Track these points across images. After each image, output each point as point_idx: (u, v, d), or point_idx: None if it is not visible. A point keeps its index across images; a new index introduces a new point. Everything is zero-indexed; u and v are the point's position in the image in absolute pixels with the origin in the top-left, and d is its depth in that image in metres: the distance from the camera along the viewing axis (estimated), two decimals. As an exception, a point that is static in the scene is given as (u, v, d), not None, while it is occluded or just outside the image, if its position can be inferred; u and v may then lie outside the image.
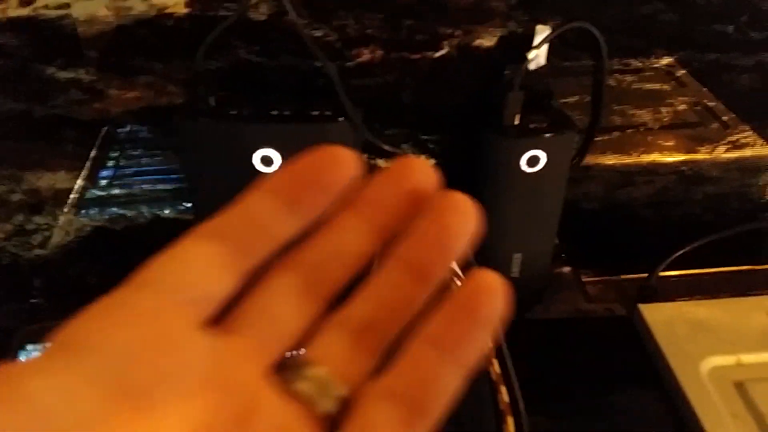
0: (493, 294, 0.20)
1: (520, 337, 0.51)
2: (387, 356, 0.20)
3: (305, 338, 0.20)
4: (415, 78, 0.50)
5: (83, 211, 0.53)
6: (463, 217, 0.21)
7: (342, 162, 0.20)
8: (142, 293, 0.18)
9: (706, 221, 0.59)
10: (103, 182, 0.53)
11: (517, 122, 0.48)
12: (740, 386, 0.45)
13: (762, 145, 0.54)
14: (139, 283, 0.18)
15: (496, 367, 0.40)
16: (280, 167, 0.21)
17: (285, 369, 0.19)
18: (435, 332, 0.20)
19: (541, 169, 0.48)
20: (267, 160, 0.46)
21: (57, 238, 0.54)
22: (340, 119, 0.46)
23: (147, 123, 0.49)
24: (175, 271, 0.19)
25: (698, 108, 0.55)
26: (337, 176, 0.20)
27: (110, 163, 0.54)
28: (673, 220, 0.59)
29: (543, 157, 0.48)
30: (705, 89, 0.54)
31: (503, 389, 0.39)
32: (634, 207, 0.58)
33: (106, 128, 0.51)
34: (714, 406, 0.44)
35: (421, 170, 0.21)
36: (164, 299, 0.18)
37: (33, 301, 0.57)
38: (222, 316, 0.19)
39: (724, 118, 0.54)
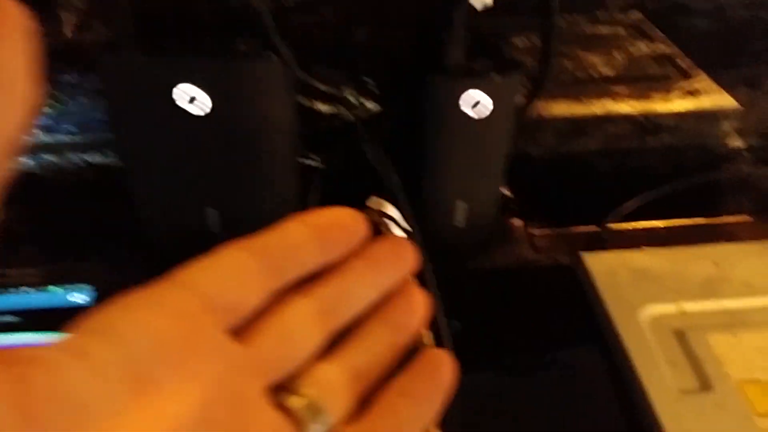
0: (447, 368, 0.24)
1: (462, 287, 0.50)
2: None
3: (309, 363, 0.22)
4: (358, 16, 0.48)
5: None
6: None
7: (361, 222, 0.24)
8: (178, 293, 0.20)
9: (661, 172, 0.58)
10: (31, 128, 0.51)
11: (461, 63, 0.46)
12: (680, 334, 0.44)
13: (719, 92, 0.53)
14: (177, 283, 0.20)
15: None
16: (318, 210, 0.24)
17: (284, 385, 0.21)
18: (406, 389, 0.23)
19: (485, 114, 0.46)
20: (192, 99, 0.44)
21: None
22: (270, 56, 0.44)
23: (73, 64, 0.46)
24: (212, 277, 0.21)
25: (653, 54, 0.53)
26: (359, 230, 0.24)
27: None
28: (627, 170, 0.57)
29: (487, 101, 0.46)
30: (661, 34, 0.52)
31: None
32: (586, 157, 0.56)
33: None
34: (651, 354, 0.42)
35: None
36: (197, 302, 0.20)
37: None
38: (242, 327, 0.21)
39: (681, 64, 0.52)
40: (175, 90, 0.43)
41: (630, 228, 0.56)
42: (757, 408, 0.39)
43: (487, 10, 0.47)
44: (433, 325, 0.38)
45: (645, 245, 0.53)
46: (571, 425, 0.41)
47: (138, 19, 0.45)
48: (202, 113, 0.44)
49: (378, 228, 0.44)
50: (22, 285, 0.48)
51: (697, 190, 0.55)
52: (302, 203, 0.51)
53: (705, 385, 0.41)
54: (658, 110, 0.55)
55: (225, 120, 0.45)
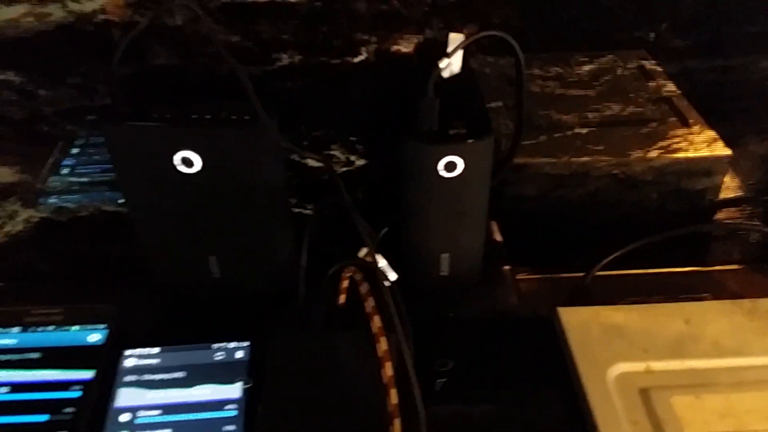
0: None
1: (450, 330, 0.52)
2: None
3: None
4: (336, 82, 0.50)
5: (30, 204, 0.55)
6: None
7: None
8: None
9: (645, 222, 0.59)
10: (48, 177, 0.55)
11: (435, 128, 0.48)
12: (645, 393, 0.46)
13: (695, 150, 0.54)
14: None
15: (388, 370, 0.41)
16: None
17: None
18: None
19: (459, 174, 0.49)
20: (187, 162, 0.47)
21: (7, 227, 0.56)
22: (255, 123, 0.47)
23: (78, 123, 0.51)
24: None
25: (626, 113, 0.54)
26: None
27: (54, 160, 0.56)
28: (614, 219, 0.59)
29: (460, 162, 0.48)
30: (631, 94, 0.53)
31: (393, 392, 0.41)
32: (569, 208, 0.58)
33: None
34: (615, 412, 0.44)
35: None
36: None
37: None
38: None
39: (653, 124, 0.53)
40: (173, 156, 0.47)
41: (616, 275, 0.58)
42: (708, 472, 0.41)
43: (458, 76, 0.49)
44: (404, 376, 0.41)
45: (630, 293, 0.55)
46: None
47: (133, 88, 0.49)
48: (197, 173, 0.48)
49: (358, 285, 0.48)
50: (44, 324, 0.53)
51: (686, 239, 0.57)
52: (296, 249, 0.55)
53: (662, 445, 0.43)
54: (635, 165, 0.57)
55: (219, 179, 0.48)
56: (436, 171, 0.48)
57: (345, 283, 0.50)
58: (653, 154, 0.54)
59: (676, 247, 0.57)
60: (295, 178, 0.51)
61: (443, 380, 0.47)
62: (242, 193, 0.50)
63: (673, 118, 0.54)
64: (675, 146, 0.54)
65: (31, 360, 0.51)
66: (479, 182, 0.50)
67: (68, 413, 0.47)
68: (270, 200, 0.51)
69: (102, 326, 0.53)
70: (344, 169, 0.53)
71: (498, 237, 0.60)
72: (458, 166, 0.48)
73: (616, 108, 0.53)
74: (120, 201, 0.55)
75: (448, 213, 0.51)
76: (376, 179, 0.53)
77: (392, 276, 0.51)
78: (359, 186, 0.53)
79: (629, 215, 0.58)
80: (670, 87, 0.58)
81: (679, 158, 0.54)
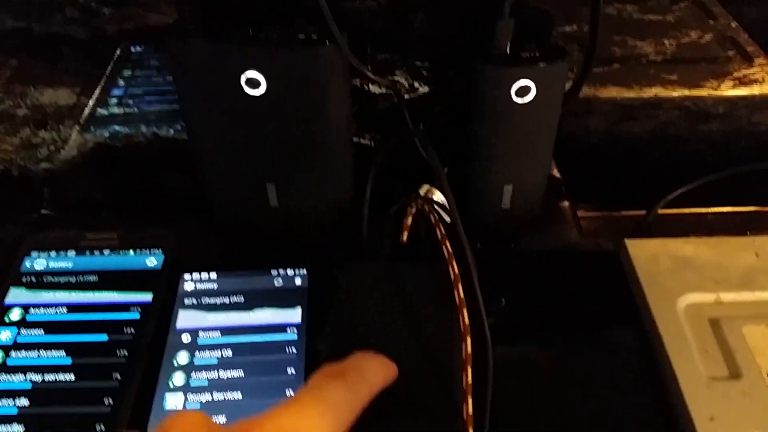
0: None
1: (508, 266, 0.52)
2: None
3: None
4: (413, 3, 0.49)
5: (86, 128, 0.54)
6: None
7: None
8: None
9: (711, 159, 0.58)
10: (105, 100, 0.55)
11: (508, 51, 0.47)
12: (715, 323, 0.45)
13: (768, 82, 0.52)
14: None
15: (460, 292, 0.41)
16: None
17: None
18: None
19: (531, 101, 0.47)
20: (253, 83, 0.47)
21: (62, 153, 0.56)
22: (327, 44, 0.46)
23: (143, 43, 0.50)
24: None
25: (704, 41, 0.53)
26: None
27: (113, 82, 0.55)
28: (678, 156, 0.58)
29: (533, 87, 0.47)
30: (712, 21, 0.52)
31: (464, 312, 0.40)
32: (636, 142, 0.57)
33: (119, 48, 0.52)
34: (685, 341, 0.44)
35: None
36: None
37: (43, 212, 0.59)
38: None
39: (730, 53, 0.51)
40: (239, 75, 0.46)
41: (678, 214, 0.57)
42: (784, 399, 0.40)
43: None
44: (473, 304, 0.40)
45: (692, 232, 0.53)
46: (603, 403, 0.42)
47: (204, 5, 0.48)
48: (261, 95, 0.47)
49: (427, 216, 0.47)
50: (100, 248, 0.53)
51: (749, 178, 0.55)
52: (356, 181, 0.54)
53: (734, 373, 0.42)
54: (707, 97, 0.55)
55: (284, 103, 0.47)
56: (509, 96, 0.47)
57: (409, 221, 0.49)
58: (727, 85, 0.52)
59: (743, 185, 0.56)
60: (355, 105, 0.50)
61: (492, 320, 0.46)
62: (306, 118, 0.49)
63: (751, 48, 0.52)
64: (750, 78, 0.52)
65: (88, 282, 0.51)
66: (550, 110, 0.49)
67: (128, 333, 0.47)
68: (334, 127, 0.50)
69: (158, 251, 0.53)
70: (408, 96, 0.52)
71: (557, 173, 0.58)
72: (531, 92, 0.47)
73: (694, 35, 0.51)
74: (177, 128, 0.55)
75: (517, 142, 0.50)
76: (440, 108, 0.52)
77: (447, 218, 0.50)
78: (423, 116, 0.52)
79: (696, 151, 0.57)
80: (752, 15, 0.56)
81: (753, 92, 0.53)
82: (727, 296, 0.46)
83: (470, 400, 0.38)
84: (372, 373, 0.34)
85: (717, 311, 0.45)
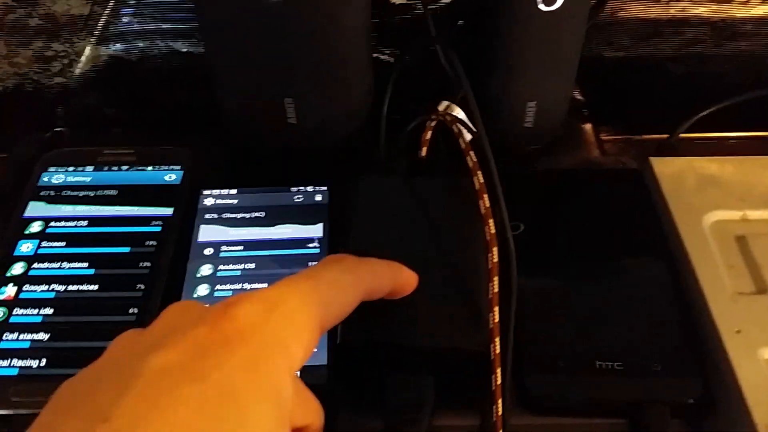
0: None
1: (529, 187, 0.51)
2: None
3: None
4: None
5: (100, 41, 0.53)
6: None
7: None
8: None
9: (739, 81, 0.57)
10: (120, 11, 0.53)
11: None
12: (741, 240, 0.45)
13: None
14: None
15: (485, 201, 0.40)
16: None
17: None
18: None
19: (558, 9, 0.46)
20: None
21: (75, 67, 0.55)
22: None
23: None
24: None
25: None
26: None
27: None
28: (703, 76, 0.56)
29: (561, -5, 0.45)
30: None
31: (490, 222, 0.40)
32: (661, 60, 0.55)
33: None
34: (711, 257, 0.43)
35: None
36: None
37: (57, 129, 0.59)
38: None
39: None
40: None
41: (702, 137, 0.56)
42: (810, 312, 0.40)
43: None
44: (498, 226, 0.40)
45: (716, 155, 0.53)
46: (629, 321, 0.42)
47: None
48: (279, 2, 0.45)
49: (449, 127, 0.46)
50: (118, 164, 0.52)
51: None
52: (375, 97, 0.53)
53: (761, 288, 0.42)
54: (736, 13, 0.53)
55: (301, 12, 0.46)
56: (535, 3, 0.45)
57: (428, 135, 0.48)
58: (756, 1, 0.51)
59: (765, 109, 0.55)
60: (375, 17, 0.48)
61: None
62: (323, 28, 0.47)
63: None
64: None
65: (107, 197, 0.50)
66: (577, 20, 0.47)
67: (150, 246, 0.47)
68: (353, 38, 0.49)
69: (177, 167, 0.52)
70: (430, 6, 0.51)
71: (579, 95, 0.57)
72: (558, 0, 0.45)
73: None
74: (194, 42, 0.53)
75: (542, 54, 0.49)
76: (464, 18, 0.51)
77: (467, 135, 0.49)
78: (445, 28, 0.50)
79: (723, 72, 0.56)
80: None
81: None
82: (754, 214, 0.46)
83: (496, 310, 0.38)
84: (379, 265, 0.33)
85: (743, 228, 0.45)
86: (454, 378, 0.39)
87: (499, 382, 0.37)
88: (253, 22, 0.47)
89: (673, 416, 0.38)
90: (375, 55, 0.53)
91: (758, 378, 0.37)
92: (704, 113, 0.55)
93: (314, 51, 0.48)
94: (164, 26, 0.53)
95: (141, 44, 0.53)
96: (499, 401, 0.37)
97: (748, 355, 0.38)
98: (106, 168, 0.52)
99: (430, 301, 0.38)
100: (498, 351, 0.37)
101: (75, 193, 0.50)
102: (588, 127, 0.57)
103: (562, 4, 0.46)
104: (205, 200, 0.50)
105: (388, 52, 0.52)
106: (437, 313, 0.38)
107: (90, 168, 0.52)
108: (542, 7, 0.46)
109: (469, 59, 0.49)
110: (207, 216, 0.49)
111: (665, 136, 0.55)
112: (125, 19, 0.53)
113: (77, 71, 0.55)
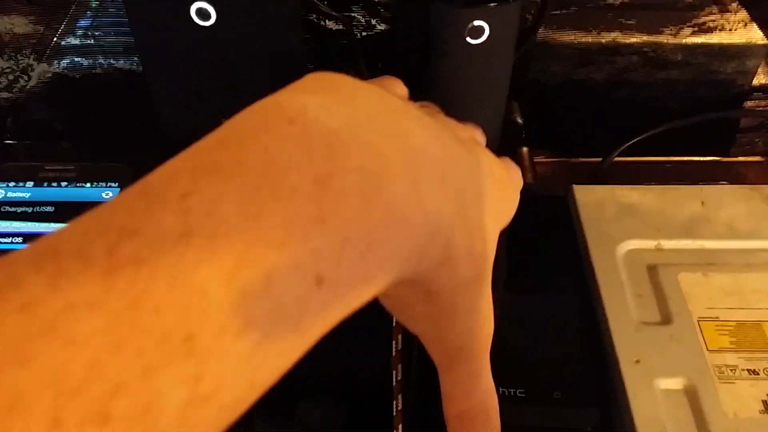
0: None
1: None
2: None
3: None
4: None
5: (44, 58, 0.54)
6: None
7: None
8: None
9: (670, 107, 0.58)
10: (63, 30, 0.54)
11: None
12: (653, 269, 0.46)
13: (730, 30, 0.52)
14: None
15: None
16: None
17: None
18: None
19: (485, 41, 0.47)
20: (203, 14, 0.46)
21: (21, 82, 0.56)
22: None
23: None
24: None
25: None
26: None
27: (71, 11, 0.54)
28: (636, 104, 0.57)
29: (486, 28, 0.47)
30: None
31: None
32: (594, 87, 0.56)
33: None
34: (620, 286, 0.45)
35: None
36: None
37: (6, 141, 0.60)
38: None
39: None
40: (190, 7, 0.46)
41: (634, 161, 0.57)
42: (709, 344, 0.41)
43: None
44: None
45: (649, 181, 0.54)
46: (540, 345, 0.43)
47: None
48: (211, 26, 0.46)
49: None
50: (58, 180, 0.53)
51: (711, 127, 0.55)
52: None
53: (666, 318, 0.43)
54: (666, 44, 0.54)
55: (234, 35, 0.47)
56: (463, 37, 0.47)
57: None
58: (686, 32, 0.52)
59: (700, 135, 0.56)
60: (312, 42, 0.49)
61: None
62: (257, 52, 0.49)
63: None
64: (709, 25, 0.52)
65: (45, 213, 0.51)
66: (504, 51, 0.49)
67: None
68: (286, 62, 0.50)
69: (114, 185, 0.53)
70: (364, 33, 0.52)
71: (519, 119, 0.58)
72: (485, 32, 0.46)
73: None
74: (135, 60, 0.54)
75: (472, 83, 0.50)
76: (397, 48, 0.52)
77: None
78: (379, 54, 0.51)
79: (655, 99, 0.57)
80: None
81: (712, 39, 0.52)
82: (668, 243, 0.47)
83: (399, 338, 0.39)
84: None
85: (656, 258, 0.46)
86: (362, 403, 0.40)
87: (399, 407, 0.38)
88: (187, 43, 0.48)
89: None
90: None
91: (651, 409, 0.38)
92: (637, 138, 0.56)
93: (247, 72, 0.50)
94: (107, 44, 0.54)
95: (84, 63, 0.54)
96: (399, 426, 0.38)
97: (644, 385, 0.39)
98: (46, 184, 0.53)
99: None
100: (399, 377, 0.38)
101: (13, 209, 0.51)
102: (524, 150, 0.58)
103: (488, 37, 0.47)
104: (139, 218, 0.51)
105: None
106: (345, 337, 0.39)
107: (30, 183, 0.53)
108: (470, 40, 0.47)
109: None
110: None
111: (598, 160, 0.56)
112: (69, 38, 0.54)
113: (23, 87, 0.56)
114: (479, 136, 0.29)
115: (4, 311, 0.13)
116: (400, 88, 0.28)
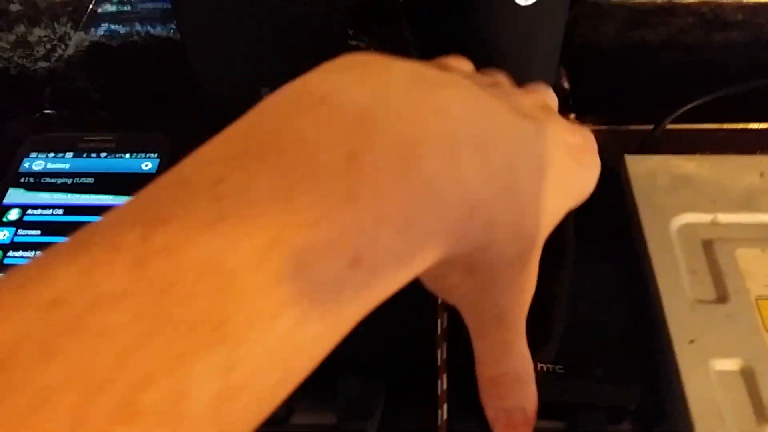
0: None
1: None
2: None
3: None
4: None
5: (81, 26, 0.53)
6: None
7: None
8: None
9: (727, 71, 0.55)
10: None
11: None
12: (708, 244, 0.44)
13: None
14: None
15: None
16: None
17: None
18: None
19: (535, 1, 0.45)
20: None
21: (59, 51, 0.55)
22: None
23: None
24: None
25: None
26: None
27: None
28: (691, 67, 0.54)
29: (536, -12, 0.44)
30: None
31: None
32: (648, 50, 0.54)
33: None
34: (674, 262, 0.43)
35: None
36: None
37: (45, 111, 0.59)
38: None
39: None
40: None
41: (688, 129, 0.54)
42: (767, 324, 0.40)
43: None
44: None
45: (702, 149, 0.51)
46: (586, 319, 0.42)
47: None
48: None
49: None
50: (98, 151, 0.53)
51: (762, 92, 0.52)
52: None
53: (722, 296, 0.41)
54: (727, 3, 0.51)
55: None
56: (510, -3, 0.44)
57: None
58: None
59: (759, 101, 0.53)
60: (355, 7, 0.48)
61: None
62: (300, 20, 0.47)
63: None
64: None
65: (85, 185, 0.51)
66: (556, 12, 0.46)
67: (123, 235, 0.48)
68: (328, 28, 0.49)
69: (153, 155, 0.53)
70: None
71: (566, 84, 0.56)
72: (533, -7, 0.44)
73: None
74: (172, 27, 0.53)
75: (520, 48, 0.47)
76: (440, 10, 0.50)
77: None
78: (420, 18, 0.49)
79: (712, 62, 0.54)
80: None
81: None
82: (724, 217, 0.45)
83: (445, 316, 0.38)
84: None
85: (712, 232, 0.44)
86: (404, 381, 0.39)
87: (444, 387, 0.38)
88: (226, 9, 0.47)
89: (616, 422, 0.38)
90: (355, 43, 0.52)
91: (705, 390, 0.37)
92: (691, 105, 0.53)
93: (289, 40, 0.48)
94: (143, 11, 0.53)
95: (119, 29, 0.53)
96: (444, 406, 0.38)
97: (698, 366, 0.38)
98: (85, 155, 0.53)
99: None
100: (444, 357, 0.38)
101: (53, 180, 0.51)
102: (571, 117, 0.56)
103: (541, 1, 0.44)
104: (179, 189, 0.51)
105: (365, 42, 0.52)
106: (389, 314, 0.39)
107: (70, 154, 0.53)
108: (519, 0, 0.45)
109: (445, 51, 0.49)
110: (180, 205, 0.50)
111: (650, 127, 0.54)
112: (106, 4, 0.53)
113: (61, 56, 0.56)
114: (551, 101, 0.27)
115: (34, 307, 0.13)
116: (466, 65, 0.27)
